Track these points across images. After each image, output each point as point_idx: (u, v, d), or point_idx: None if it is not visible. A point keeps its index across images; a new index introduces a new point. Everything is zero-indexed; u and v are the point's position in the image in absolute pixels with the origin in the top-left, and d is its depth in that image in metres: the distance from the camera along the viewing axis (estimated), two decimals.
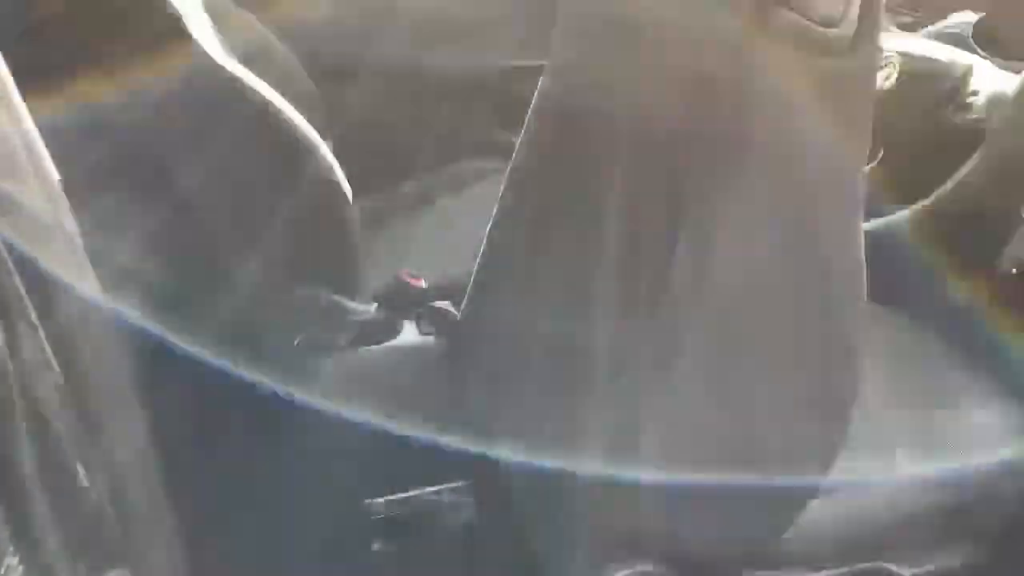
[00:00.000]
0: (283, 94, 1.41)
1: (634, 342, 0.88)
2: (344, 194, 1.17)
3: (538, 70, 1.05)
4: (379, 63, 1.69)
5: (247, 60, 1.39)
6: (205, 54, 1.05)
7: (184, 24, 1.03)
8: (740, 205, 0.73)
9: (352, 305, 1.27)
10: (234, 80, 1.06)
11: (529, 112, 1.07)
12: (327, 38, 1.67)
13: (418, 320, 1.25)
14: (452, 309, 1.23)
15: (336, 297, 1.25)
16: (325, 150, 1.15)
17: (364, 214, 1.58)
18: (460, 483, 1.20)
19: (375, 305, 1.29)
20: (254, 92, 1.08)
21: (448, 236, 1.45)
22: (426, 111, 1.73)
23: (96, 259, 0.70)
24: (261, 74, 1.38)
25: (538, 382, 1.02)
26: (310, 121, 1.51)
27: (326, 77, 1.65)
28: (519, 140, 1.08)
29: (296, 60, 1.55)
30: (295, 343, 1.21)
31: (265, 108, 1.08)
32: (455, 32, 1.70)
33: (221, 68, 1.06)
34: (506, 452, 1.10)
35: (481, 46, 1.69)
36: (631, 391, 0.83)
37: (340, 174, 1.18)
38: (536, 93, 1.03)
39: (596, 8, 0.88)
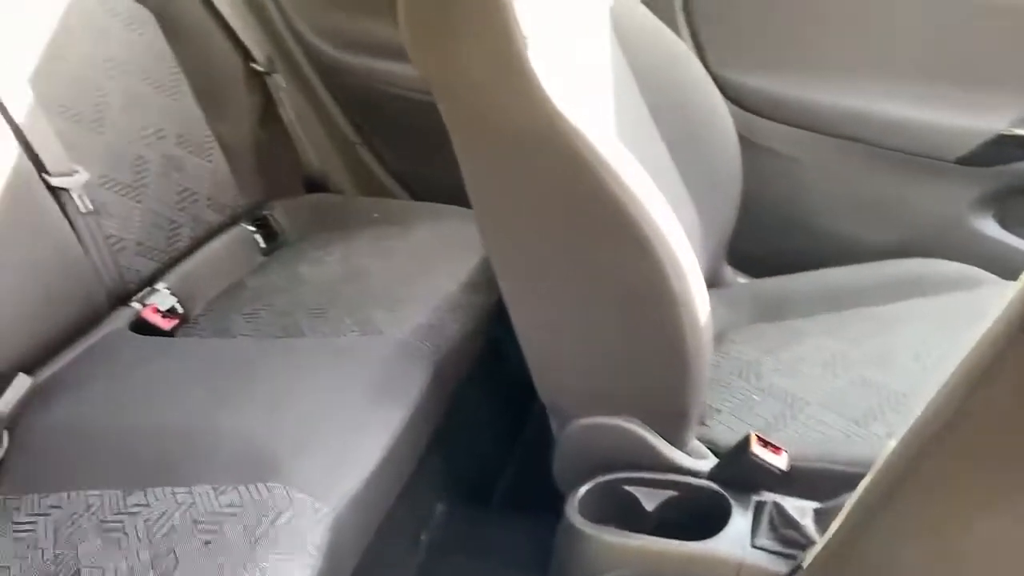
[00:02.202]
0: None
1: None
2: (672, 271, 0.80)
3: None
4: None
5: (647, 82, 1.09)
6: (535, 85, 0.76)
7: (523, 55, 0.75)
8: None
9: (668, 453, 0.90)
10: (553, 117, 0.75)
11: None
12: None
13: (756, 515, 0.84)
14: (813, 528, 0.79)
15: (641, 430, 0.89)
16: (657, 214, 0.79)
17: (726, 302, 1.20)
18: None
19: (707, 466, 0.90)
20: (575, 134, 0.76)
21: (858, 373, 0.98)
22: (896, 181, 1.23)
23: None
24: (655, 95, 1.07)
25: None
26: (712, 168, 1.16)
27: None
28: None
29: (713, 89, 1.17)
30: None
31: (577, 152, 0.75)
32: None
33: (545, 102, 0.76)
34: None
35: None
36: None
37: (673, 242, 0.81)
38: None
39: None
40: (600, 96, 0.99)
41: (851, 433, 0.92)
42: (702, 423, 0.98)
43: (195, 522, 0.77)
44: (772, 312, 1.18)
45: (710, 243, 1.16)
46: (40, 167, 1.06)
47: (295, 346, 1.05)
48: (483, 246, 0.89)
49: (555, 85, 0.79)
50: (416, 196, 1.50)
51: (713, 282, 1.22)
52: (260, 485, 0.80)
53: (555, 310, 0.87)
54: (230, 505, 0.78)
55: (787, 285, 1.22)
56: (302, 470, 0.82)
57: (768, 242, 1.31)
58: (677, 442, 0.91)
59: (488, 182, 0.86)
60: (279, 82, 1.43)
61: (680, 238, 0.83)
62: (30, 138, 1.05)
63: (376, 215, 1.41)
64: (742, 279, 1.32)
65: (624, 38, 1.09)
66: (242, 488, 0.80)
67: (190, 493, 0.80)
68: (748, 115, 1.28)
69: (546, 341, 0.89)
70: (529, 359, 0.91)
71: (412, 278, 1.16)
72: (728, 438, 0.93)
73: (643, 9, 1.13)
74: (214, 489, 0.80)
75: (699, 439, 0.95)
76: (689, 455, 0.91)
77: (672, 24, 1.25)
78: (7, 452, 0.91)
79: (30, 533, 0.80)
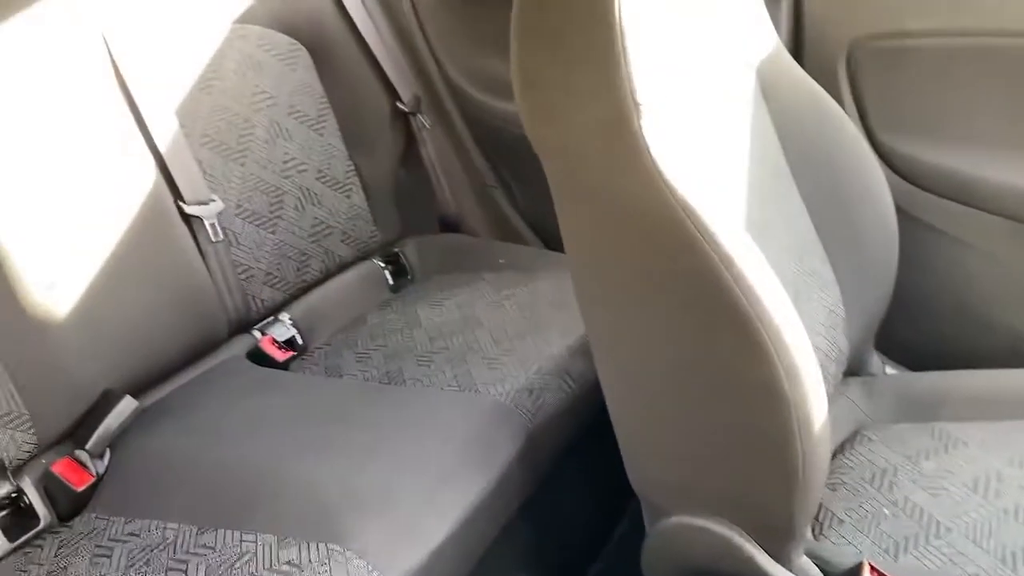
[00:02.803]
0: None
1: None
2: (786, 372, 0.71)
3: None
4: None
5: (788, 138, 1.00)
6: (645, 155, 0.71)
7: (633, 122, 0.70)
8: None
9: (768, 569, 0.80)
10: (663, 191, 0.69)
11: None
12: None
13: None
14: None
15: (739, 538, 0.80)
16: (775, 309, 0.71)
17: (867, 395, 1.06)
18: None
19: None
20: (688, 211, 0.70)
21: (1014, 501, 0.84)
22: None
23: None
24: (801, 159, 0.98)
25: None
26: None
27: None
28: None
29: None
30: None
31: (687, 233, 0.69)
32: None
33: (655, 174, 0.70)
34: None
35: None
36: None
37: (791, 341, 0.72)
38: None
39: None
40: (731, 164, 0.91)
41: (995, 574, 0.79)
42: (819, 534, 0.87)
43: (251, 574, 0.75)
44: (921, 412, 1.04)
45: (855, 326, 1.04)
46: (176, 194, 1.11)
47: (393, 395, 1.03)
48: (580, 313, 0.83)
49: (670, 155, 0.73)
50: (548, 244, 1.46)
51: (856, 369, 1.11)
52: (321, 545, 0.77)
53: (649, 394, 0.80)
54: (288, 562, 0.76)
55: (941, 382, 1.08)
56: (365, 533, 0.79)
57: (924, 331, 1.17)
58: (780, 556, 0.81)
59: (588, 252, 0.80)
60: (423, 122, 1.44)
61: (800, 336, 0.73)
62: (170, 166, 1.10)
63: (502, 261, 1.38)
64: (891, 369, 1.19)
65: (770, 95, 1.01)
66: (304, 545, 0.78)
67: (255, 541, 0.79)
68: (910, 187, 1.15)
69: (638, 425, 0.82)
70: (621, 442, 0.84)
71: (522, 334, 1.12)
72: (844, 557, 0.82)
73: (794, 66, 1.04)
74: (279, 541, 0.79)
75: (809, 554, 0.84)
76: (793, 574, 0.81)
77: (832, 83, 1.15)
78: (107, 470, 0.94)
79: (105, 559, 0.81)
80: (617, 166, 0.74)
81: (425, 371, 1.07)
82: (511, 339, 1.11)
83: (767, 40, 1.01)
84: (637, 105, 0.72)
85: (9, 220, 0.92)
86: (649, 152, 0.72)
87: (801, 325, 0.74)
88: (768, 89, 1.01)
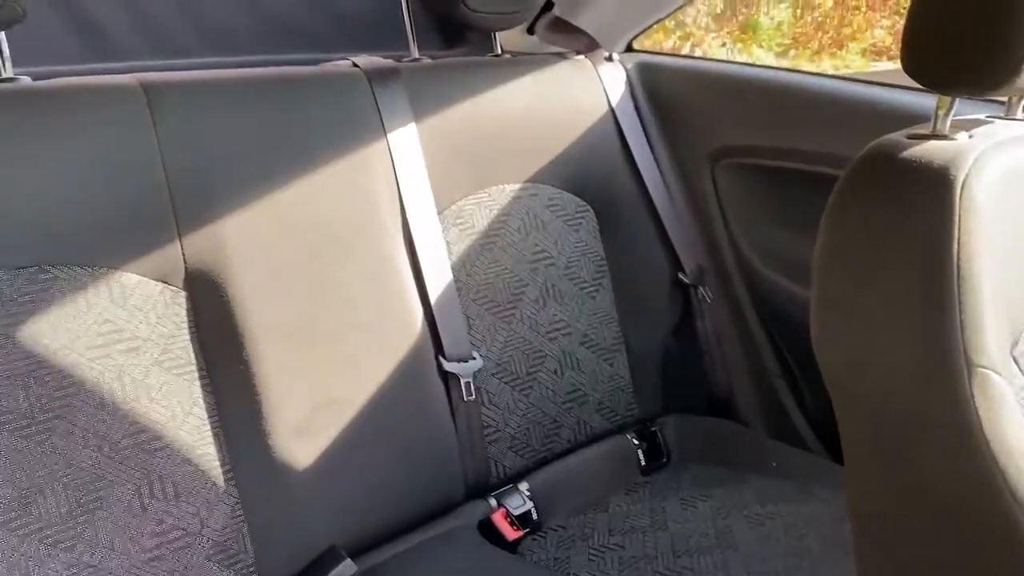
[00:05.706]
0: None
1: None
2: None
3: None
4: None
5: None
6: (974, 429, 0.55)
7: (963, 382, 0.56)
8: None
9: None
10: (989, 477, 0.53)
11: None
12: None
13: None
14: None
15: None
16: None
17: None
18: None
19: None
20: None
21: None
22: None
23: None
24: None
25: None
26: None
27: None
28: None
29: None
30: None
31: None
32: None
33: (983, 454, 0.54)
34: None
35: None
36: None
37: None
38: None
39: None
40: None
41: None
42: None
43: None
44: None
45: None
46: (439, 348, 1.09)
47: None
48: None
49: (1012, 436, 0.56)
50: (833, 455, 1.26)
51: None
52: None
53: None
54: None
55: None
56: None
57: None
58: None
59: (874, 518, 0.64)
60: (704, 295, 1.34)
61: None
62: (438, 319, 1.09)
63: (775, 464, 1.21)
64: None
65: None
66: None
67: None
68: None
69: None
70: None
71: (783, 574, 0.94)
72: None
73: None
74: None
75: None
76: None
77: None
78: None
79: None
80: (934, 437, 0.58)
81: None
82: None
83: None
84: (971, 366, 0.57)
85: (273, 360, 0.94)
86: (982, 428, 0.56)
87: None
88: None
